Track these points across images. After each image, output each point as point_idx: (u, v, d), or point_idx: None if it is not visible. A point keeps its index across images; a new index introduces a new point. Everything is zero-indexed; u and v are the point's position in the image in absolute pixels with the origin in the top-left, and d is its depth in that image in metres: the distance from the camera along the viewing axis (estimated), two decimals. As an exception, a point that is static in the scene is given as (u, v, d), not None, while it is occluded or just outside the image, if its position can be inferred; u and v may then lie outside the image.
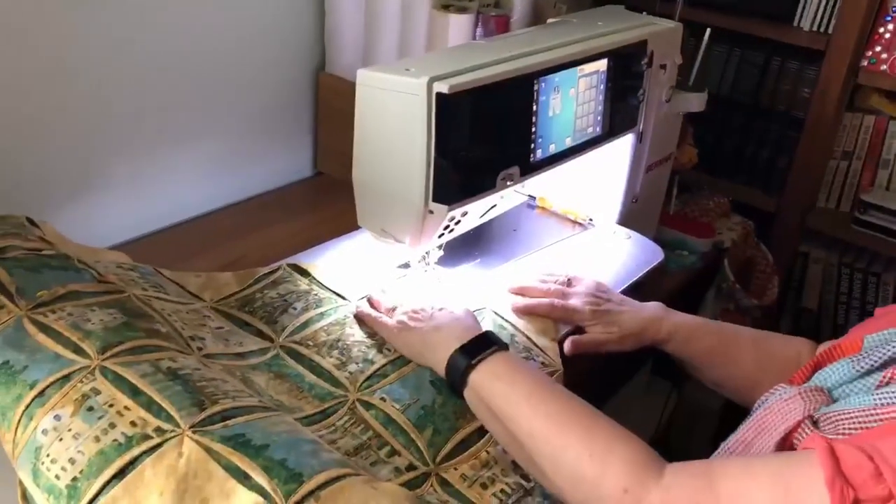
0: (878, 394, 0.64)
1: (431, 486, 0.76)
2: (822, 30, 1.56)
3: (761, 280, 1.51)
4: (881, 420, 0.61)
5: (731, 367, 0.93)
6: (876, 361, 0.67)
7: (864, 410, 0.62)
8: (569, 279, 1.03)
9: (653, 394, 1.56)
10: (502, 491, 0.77)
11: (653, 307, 1.00)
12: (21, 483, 0.67)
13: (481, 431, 0.82)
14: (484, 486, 0.77)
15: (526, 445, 0.74)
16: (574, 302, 0.98)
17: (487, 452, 0.81)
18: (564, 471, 0.71)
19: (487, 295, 1.02)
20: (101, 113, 1.08)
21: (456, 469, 0.79)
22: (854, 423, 0.62)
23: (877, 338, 0.72)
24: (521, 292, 1.02)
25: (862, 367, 0.68)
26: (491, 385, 0.79)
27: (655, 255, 1.18)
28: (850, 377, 0.69)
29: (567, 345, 0.96)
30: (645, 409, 1.55)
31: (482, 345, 0.83)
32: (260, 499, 0.62)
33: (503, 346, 0.84)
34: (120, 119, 1.11)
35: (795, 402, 0.68)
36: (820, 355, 0.76)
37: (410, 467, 0.78)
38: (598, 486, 0.68)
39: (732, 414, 0.92)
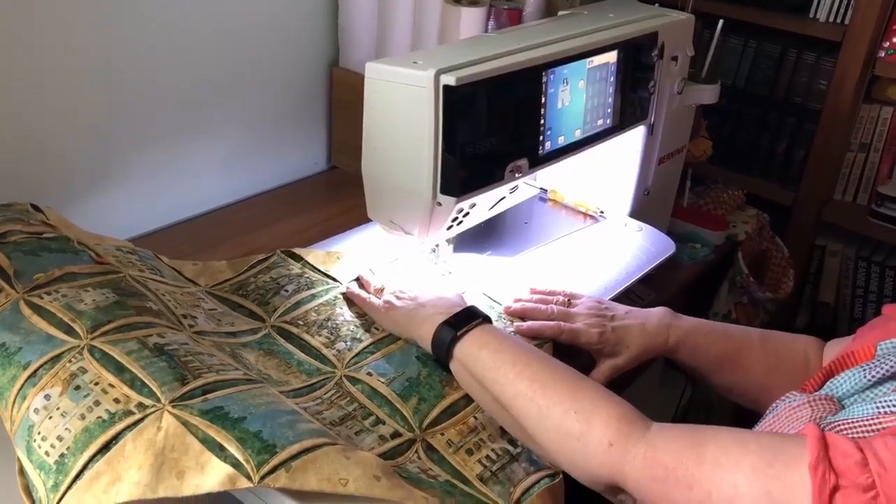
0: (880, 402, 0.63)
1: (416, 452, 0.78)
2: (838, 21, 1.55)
3: (776, 273, 1.50)
4: (883, 427, 0.60)
5: (739, 374, 0.92)
6: (888, 370, 0.66)
7: (867, 419, 0.62)
8: (568, 298, 1.00)
9: (667, 387, 1.55)
10: (487, 457, 0.78)
11: (658, 314, 0.96)
12: (19, 459, 0.69)
13: (469, 397, 0.84)
14: (469, 453, 0.79)
15: (512, 409, 0.76)
16: (580, 325, 0.94)
17: (475, 418, 0.82)
18: (551, 430, 0.72)
19: (479, 278, 1.03)
20: (119, 109, 1.10)
21: (443, 434, 0.80)
22: (856, 431, 0.62)
23: (890, 345, 0.70)
24: (521, 315, 0.98)
25: (873, 376, 0.67)
26: (476, 354, 0.81)
27: (667, 247, 1.18)
28: (862, 386, 0.68)
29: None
30: (659, 403, 1.55)
31: (467, 318, 0.85)
32: (232, 470, 0.64)
33: (487, 319, 0.86)
34: (137, 114, 1.13)
35: (803, 409, 0.68)
36: (833, 363, 0.75)
37: (395, 434, 0.79)
38: (585, 442, 0.69)
39: (748, 408, 0.92)
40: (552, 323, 0.94)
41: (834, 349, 0.87)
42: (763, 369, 0.91)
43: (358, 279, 1.00)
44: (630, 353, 0.93)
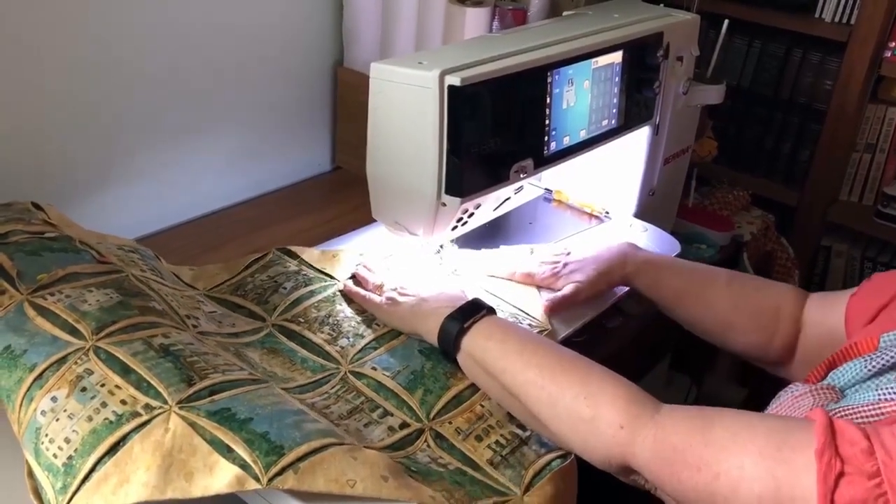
0: (882, 389, 0.63)
1: (425, 441, 0.78)
2: (844, 21, 1.55)
3: (781, 274, 1.50)
4: (883, 413, 0.61)
5: (702, 308, 0.94)
6: (888, 360, 0.66)
7: (868, 405, 0.62)
8: (531, 249, 1.06)
9: (672, 389, 1.55)
10: (497, 442, 0.79)
11: (619, 244, 1.02)
12: (27, 462, 0.69)
13: (475, 386, 0.84)
14: (479, 439, 0.79)
15: (521, 397, 0.77)
16: (533, 267, 1.02)
17: (482, 406, 0.83)
18: (562, 415, 0.73)
19: (476, 273, 1.04)
20: (123, 109, 1.10)
21: (451, 423, 0.80)
22: (858, 417, 0.62)
23: (893, 336, 0.71)
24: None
25: (874, 367, 0.67)
26: (484, 345, 0.81)
27: (672, 247, 1.18)
28: (864, 376, 0.68)
29: (545, 305, 0.98)
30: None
31: (472, 310, 0.85)
32: (241, 472, 0.64)
33: (491, 311, 0.86)
34: (141, 114, 1.12)
35: (806, 398, 0.69)
36: (836, 354, 0.75)
37: (404, 425, 0.79)
38: (596, 424, 0.70)
39: (753, 409, 0.92)
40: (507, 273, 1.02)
41: (820, 304, 0.88)
42: (727, 306, 0.93)
43: (353, 276, 1.00)
44: (587, 275, 0.98)
